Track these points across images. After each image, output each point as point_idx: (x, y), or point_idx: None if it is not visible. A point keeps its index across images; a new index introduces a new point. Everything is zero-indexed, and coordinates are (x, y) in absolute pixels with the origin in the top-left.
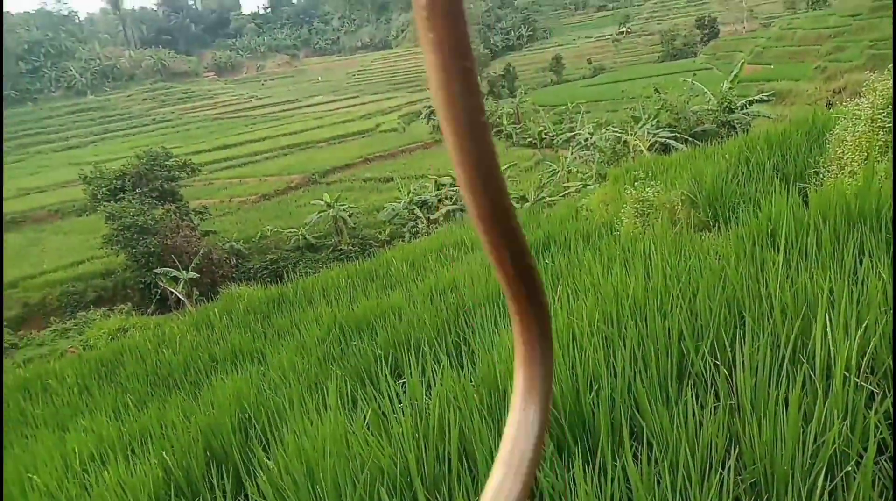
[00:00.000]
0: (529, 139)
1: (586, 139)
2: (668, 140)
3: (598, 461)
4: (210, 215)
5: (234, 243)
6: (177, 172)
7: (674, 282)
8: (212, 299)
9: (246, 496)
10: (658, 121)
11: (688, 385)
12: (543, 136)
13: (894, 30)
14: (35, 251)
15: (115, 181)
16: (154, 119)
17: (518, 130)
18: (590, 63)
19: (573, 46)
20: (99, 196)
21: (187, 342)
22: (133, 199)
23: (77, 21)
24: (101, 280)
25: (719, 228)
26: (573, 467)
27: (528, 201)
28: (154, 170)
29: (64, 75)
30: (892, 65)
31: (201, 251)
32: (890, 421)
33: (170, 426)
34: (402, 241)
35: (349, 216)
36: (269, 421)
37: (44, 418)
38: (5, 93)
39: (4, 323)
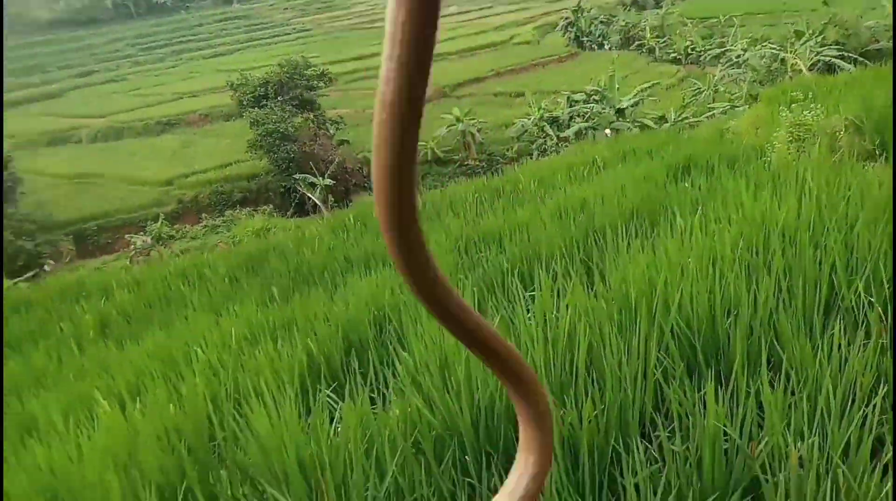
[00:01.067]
0: (674, 55)
1: (738, 56)
2: (833, 59)
3: (731, 385)
4: (345, 124)
5: (366, 154)
6: (315, 82)
7: (829, 212)
8: (345, 207)
9: (381, 384)
10: (824, 37)
11: (836, 320)
12: (689, 51)
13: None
14: (188, 153)
15: (258, 89)
16: (295, 28)
17: (662, 45)
18: None
19: None
20: (244, 102)
21: (325, 244)
22: (275, 106)
23: None
24: (247, 182)
25: (886, 158)
26: (703, 387)
27: (667, 122)
28: (294, 79)
29: None
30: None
31: (336, 160)
32: None
33: (311, 317)
34: (531, 158)
35: (478, 131)
36: (402, 319)
37: (200, 302)
38: (161, 1)
39: (163, 216)
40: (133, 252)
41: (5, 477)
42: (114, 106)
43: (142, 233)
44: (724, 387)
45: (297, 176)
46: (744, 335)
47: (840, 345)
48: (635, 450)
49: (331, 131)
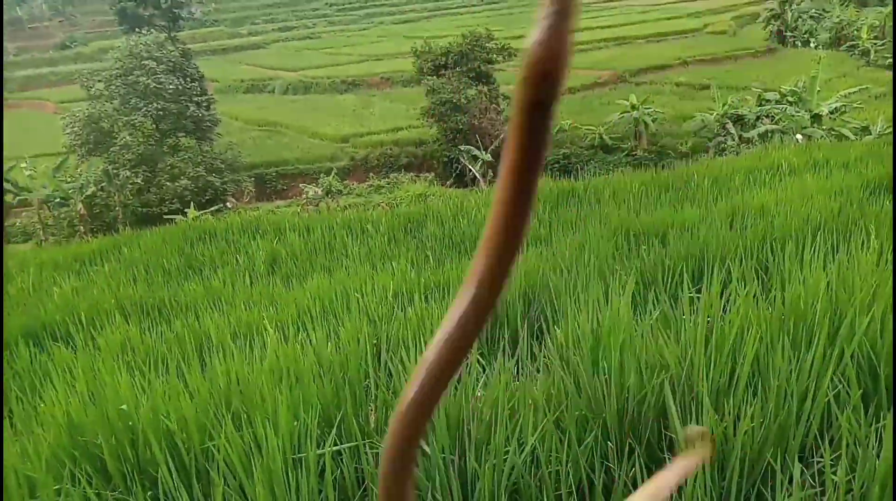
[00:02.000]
0: (892, 60)
1: None
2: None
3: None
4: None
5: None
6: (494, 55)
7: None
8: None
9: (526, 357)
10: None
11: None
12: None
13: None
14: (366, 113)
15: (440, 57)
16: (483, 0)
17: (879, 48)
18: None
19: None
20: (424, 70)
21: (481, 217)
22: (452, 76)
23: None
24: (414, 148)
25: None
26: (882, 420)
27: (870, 134)
28: (475, 50)
29: None
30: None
31: (502, 136)
32: None
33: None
34: (706, 155)
35: (652, 121)
36: (553, 296)
37: (360, 254)
38: None
39: (335, 171)
40: (305, 201)
41: (189, 383)
42: (306, 62)
43: (314, 184)
44: None
45: (462, 147)
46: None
47: None
48: (791, 471)
49: (501, 107)
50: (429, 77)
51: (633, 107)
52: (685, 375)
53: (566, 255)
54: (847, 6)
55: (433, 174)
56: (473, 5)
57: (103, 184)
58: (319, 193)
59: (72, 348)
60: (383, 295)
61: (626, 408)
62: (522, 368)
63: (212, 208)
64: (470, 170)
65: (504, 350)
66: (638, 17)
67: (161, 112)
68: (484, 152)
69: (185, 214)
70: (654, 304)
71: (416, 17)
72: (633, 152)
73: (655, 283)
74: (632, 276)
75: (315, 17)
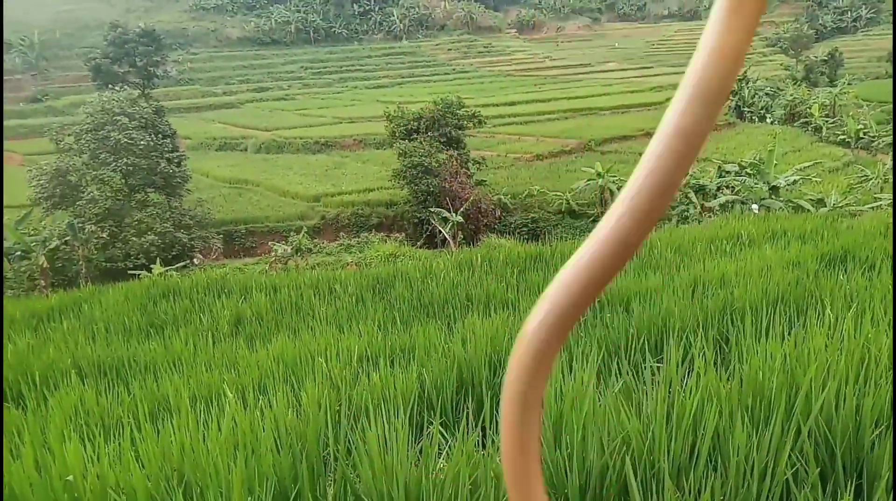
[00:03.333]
0: (842, 137)
1: None
2: None
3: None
4: (486, 166)
5: (501, 197)
6: (465, 122)
7: None
8: (473, 245)
9: (489, 426)
10: None
11: None
12: (861, 135)
13: (894, 32)
14: (338, 173)
15: (412, 122)
16: (454, 69)
17: (830, 125)
18: None
19: None
20: (397, 133)
21: (449, 279)
22: (424, 141)
23: None
24: (385, 209)
25: None
26: (839, 499)
27: (826, 206)
28: (446, 116)
29: (386, 20)
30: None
31: (472, 199)
32: None
33: (429, 348)
34: (669, 223)
35: (617, 188)
36: None
37: (326, 315)
38: (338, 31)
39: (305, 229)
40: (273, 259)
41: (139, 446)
42: (280, 122)
43: (284, 242)
44: None
45: (432, 209)
46: (889, 450)
47: None
48: None
49: (471, 170)
50: (401, 140)
51: (599, 174)
52: (647, 449)
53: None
54: (799, 86)
55: (403, 235)
56: (446, 73)
57: (67, 238)
58: (289, 251)
59: (23, 408)
60: (348, 358)
61: (588, 484)
62: (486, 438)
63: (178, 265)
64: (440, 231)
65: (468, 419)
66: (602, 89)
67: (131, 167)
68: (454, 214)
69: (150, 270)
70: (616, 375)
71: (389, 83)
72: (599, 218)
73: (618, 352)
74: (595, 346)
75: (290, 79)
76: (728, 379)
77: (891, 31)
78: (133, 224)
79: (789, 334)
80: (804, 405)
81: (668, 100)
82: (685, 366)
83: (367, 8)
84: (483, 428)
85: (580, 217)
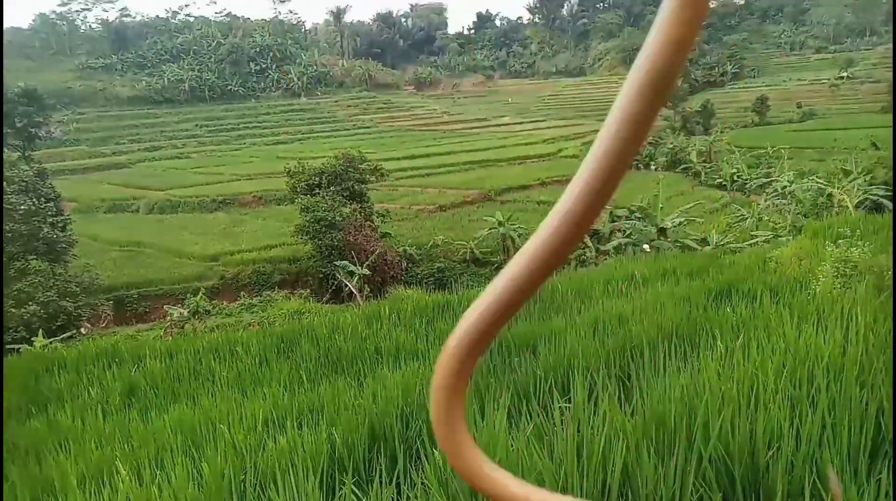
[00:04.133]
0: (719, 180)
1: (784, 187)
2: (881, 199)
3: None
4: (390, 218)
5: (407, 248)
6: (367, 176)
7: (877, 352)
8: (380, 297)
9: (405, 482)
10: (872, 177)
11: (883, 464)
12: (735, 178)
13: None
14: (237, 231)
15: (313, 177)
16: (354, 125)
17: (708, 170)
18: (799, 107)
19: (782, 88)
20: (298, 189)
21: (357, 333)
22: (326, 195)
23: (302, 30)
24: (288, 265)
25: None
26: None
27: (709, 245)
28: (348, 171)
29: (284, 78)
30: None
31: (377, 251)
32: None
33: (339, 406)
34: (569, 267)
35: (518, 236)
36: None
37: (229, 379)
38: (234, 89)
39: (203, 291)
40: (169, 323)
41: None
42: (174, 181)
43: (180, 305)
44: None
45: (337, 263)
46: (784, 470)
47: (887, 492)
48: None
49: (375, 223)
50: (302, 196)
51: (500, 223)
52: (560, 489)
53: None
54: (678, 134)
55: (308, 291)
56: (346, 129)
57: None
58: (185, 314)
59: None
60: (253, 423)
61: None
62: (402, 495)
63: (64, 335)
64: (346, 285)
65: (381, 475)
66: (499, 142)
67: (9, 234)
68: (360, 268)
69: (31, 342)
70: (527, 417)
71: (288, 139)
72: (503, 265)
73: (528, 395)
74: (505, 391)
75: (184, 138)
76: (632, 414)
77: (751, 86)
78: (12, 295)
79: (685, 366)
80: (703, 434)
81: (560, 150)
82: (592, 404)
83: (264, 66)
84: (398, 484)
85: (484, 265)
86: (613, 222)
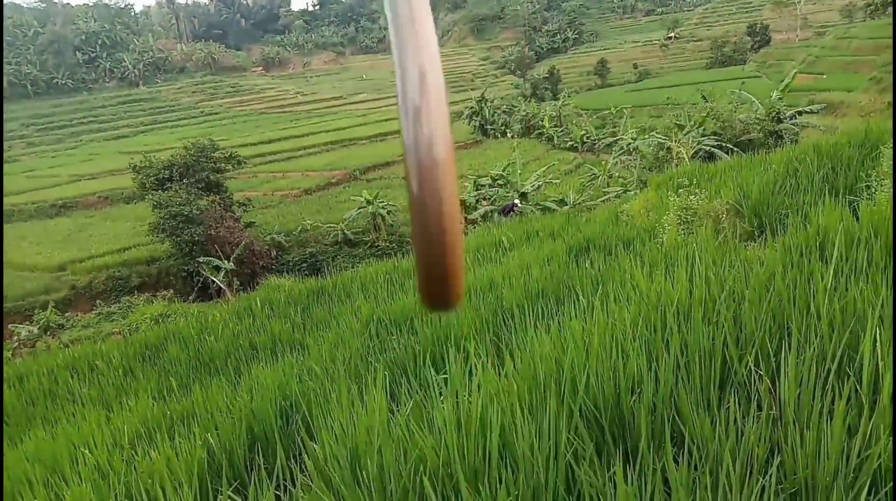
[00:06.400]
0: (571, 143)
1: (629, 144)
2: (712, 149)
3: (638, 463)
4: (253, 207)
5: (274, 236)
6: (222, 164)
7: (718, 290)
8: (251, 290)
9: (288, 480)
10: (703, 129)
11: (730, 393)
12: (585, 139)
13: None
14: (84, 236)
15: (163, 171)
16: (202, 112)
17: (560, 134)
18: (636, 68)
19: (619, 51)
20: (147, 185)
21: (229, 330)
22: (180, 189)
23: (132, 14)
24: (146, 267)
25: (765, 238)
26: (613, 467)
27: (567, 205)
28: (201, 161)
29: (118, 66)
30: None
31: (243, 242)
32: None
33: (213, 410)
34: None
35: (388, 214)
36: (312, 409)
37: (90, 396)
38: (62, 82)
39: (53, 304)
40: (16, 344)
41: None
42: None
43: (28, 323)
44: (632, 465)
45: (200, 259)
46: (647, 412)
47: (736, 418)
48: None
49: (237, 214)
50: (153, 192)
51: (368, 202)
52: (442, 462)
53: (321, 357)
54: (530, 102)
55: (172, 292)
56: (193, 117)
57: None
58: (35, 331)
59: None
60: (120, 440)
61: None
62: (285, 493)
63: None
64: (213, 281)
65: (261, 478)
66: (358, 119)
67: None
68: (226, 261)
69: None
70: (407, 394)
71: (130, 132)
72: (376, 244)
73: (406, 372)
74: (383, 370)
75: (10, 140)
76: (506, 378)
77: (592, 50)
78: None
79: (552, 325)
80: (571, 388)
81: None
82: (468, 373)
83: (93, 55)
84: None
85: (357, 245)
86: (478, 190)
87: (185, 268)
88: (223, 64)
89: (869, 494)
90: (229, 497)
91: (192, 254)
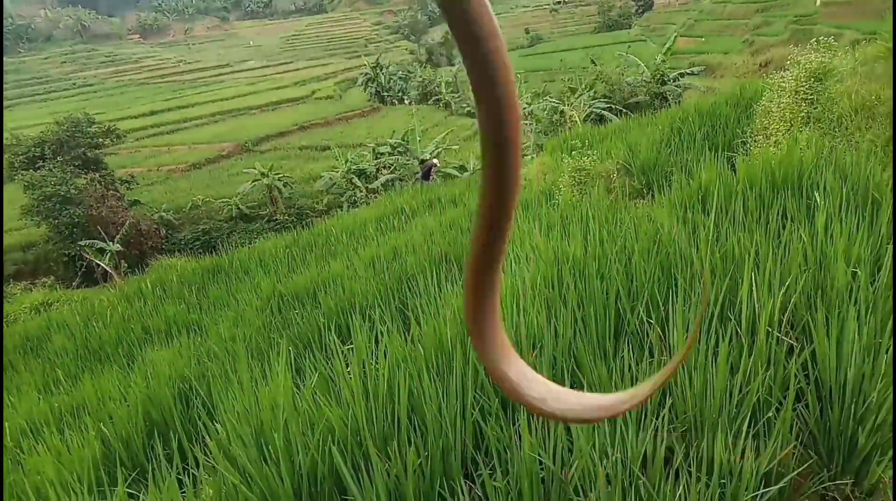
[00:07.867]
0: (468, 108)
1: (524, 109)
2: (603, 111)
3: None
4: (137, 184)
5: (163, 214)
6: (100, 139)
7: (611, 246)
8: (141, 272)
9: (191, 464)
10: (594, 92)
11: (624, 343)
12: None
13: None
14: None
15: (33, 149)
16: (74, 83)
17: (457, 99)
18: (527, 33)
19: (511, 15)
20: (16, 165)
21: (118, 315)
22: (54, 167)
23: None
24: (21, 253)
25: (653, 195)
26: (518, 420)
27: (467, 171)
28: (76, 137)
29: None
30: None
31: (128, 222)
32: (806, 373)
33: (106, 399)
34: (341, 211)
35: (284, 186)
36: (212, 390)
37: None
38: None
39: None
40: None
41: None
42: None
43: None
44: (535, 417)
45: (82, 242)
46: (548, 365)
47: (630, 366)
48: (459, 492)
49: (121, 192)
50: (23, 172)
51: (263, 174)
52: (350, 430)
53: (221, 336)
54: (425, 68)
55: (52, 278)
56: (65, 90)
57: None
58: None
59: None
60: (4, 439)
61: (301, 486)
62: (187, 475)
63: None
64: (98, 265)
65: (161, 466)
66: (247, 88)
67: None
68: (111, 243)
69: None
70: (312, 367)
71: None
72: (274, 218)
73: (311, 345)
74: (286, 345)
75: None
76: (413, 343)
77: None
78: None
79: (455, 288)
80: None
81: (314, 93)
82: (374, 341)
83: None
84: (185, 468)
85: (253, 220)
86: (377, 158)
87: (66, 252)
88: (95, 31)
89: (749, 425)
90: (126, 489)
91: (73, 237)
